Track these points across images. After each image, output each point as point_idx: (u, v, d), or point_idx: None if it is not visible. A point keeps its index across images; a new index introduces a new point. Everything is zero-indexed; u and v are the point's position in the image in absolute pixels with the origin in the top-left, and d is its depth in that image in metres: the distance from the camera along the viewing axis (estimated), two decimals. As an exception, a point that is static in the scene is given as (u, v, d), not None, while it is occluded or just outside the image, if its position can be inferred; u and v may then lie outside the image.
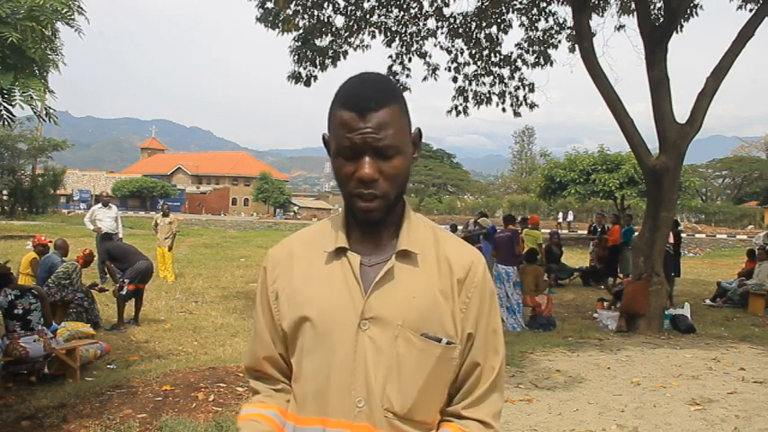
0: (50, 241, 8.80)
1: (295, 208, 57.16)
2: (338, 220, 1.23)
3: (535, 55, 11.44)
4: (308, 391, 1.16)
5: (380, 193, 1.12)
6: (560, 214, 37.14)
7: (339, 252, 1.18)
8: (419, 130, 1.21)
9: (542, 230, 13.86)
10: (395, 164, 1.12)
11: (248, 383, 1.31)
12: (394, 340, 1.13)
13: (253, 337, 1.29)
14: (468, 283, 1.18)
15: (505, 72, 11.75)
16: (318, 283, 1.17)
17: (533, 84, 11.83)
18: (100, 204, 11.30)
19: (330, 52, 10.81)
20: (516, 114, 12.03)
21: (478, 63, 11.71)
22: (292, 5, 9.87)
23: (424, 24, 11.22)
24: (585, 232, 23.82)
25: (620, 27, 10.82)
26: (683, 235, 26.87)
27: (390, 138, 1.11)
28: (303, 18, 10.28)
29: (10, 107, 3.96)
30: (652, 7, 9.84)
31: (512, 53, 11.59)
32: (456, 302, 1.17)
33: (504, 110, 12.03)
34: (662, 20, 9.02)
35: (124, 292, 7.76)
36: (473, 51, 11.59)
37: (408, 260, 1.17)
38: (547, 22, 11.15)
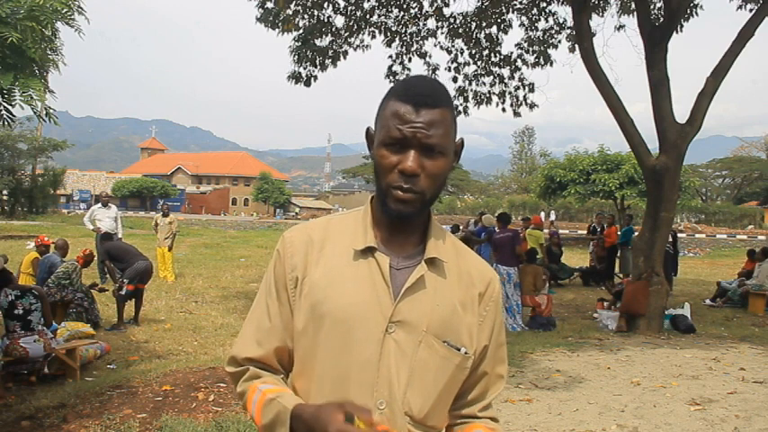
0: (53, 242, 8.82)
1: (296, 209, 57.20)
2: (364, 217, 1.22)
3: (535, 55, 11.43)
4: (322, 389, 1.14)
5: (419, 189, 1.13)
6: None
7: (367, 251, 1.17)
8: (462, 140, 1.22)
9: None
10: (438, 164, 1.13)
11: (245, 371, 1.20)
12: (417, 345, 1.14)
13: (259, 327, 1.21)
14: (488, 298, 1.23)
15: (505, 72, 11.76)
16: (343, 281, 1.15)
17: (533, 84, 11.85)
18: (99, 204, 11.30)
19: (330, 52, 10.81)
20: (516, 114, 12.04)
21: (478, 63, 11.71)
22: (292, 5, 9.87)
23: (424, 24, 11.22)
24: (585, 232, 23.83)
25: (620, 27, 10.82)
26: (680, 235, 26.97)
27: (439, 137, 1.12)
28: (303, 18, 10.28)
29: (10, 107, 3.97)
30: (652, 7, 9.85)
31: (512, 53, 11.60)
32: (474, 315, 1.21)
33: (504, 110, 12.04)
34: (662, 20, 9.02)
35: (123, 292, 7.76)
36: (473, 51, 11.59)
37: (435, 268, 1.18)
38: (547, 22, 11.16)
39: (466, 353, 1.17)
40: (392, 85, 1.20)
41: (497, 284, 1.26)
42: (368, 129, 1.21)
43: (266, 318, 1.21)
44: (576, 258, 18.16)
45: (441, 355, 1.15)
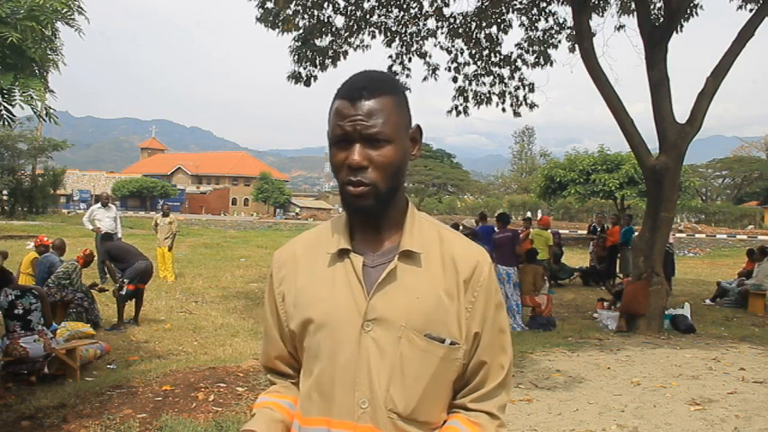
0: (51, 242, 8.82)
1: (297, 209, 57.21)
2: (341, 221, 1.23)
3: (535, 55, 11.44)
4: (314, 391, 1.17)
5: (369, 181, 1.12)
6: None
7: (342, 253, 1.18)
8: (418, 126, 1.22)
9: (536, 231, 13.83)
10: (384, 152, 1.13)
11: (267, 376, 1.36)
12: (397, 341, 1.13)
13: (264, 338, 1.31)
14: (474, 283, 1.18)
15: (505, 72, 11.76)
16: (322, 285, 1.18)
17: (533, 84, 11.85)
18: (99, 204, 11.31)
19: (330, 52, 10.81)
20: (516, 114, 12.04)
21: (478, 63, 11.71)
22: (292, 5, 9.87)
23: (424, 24, 11.22)
24: (585, 232, 23.86)
25: (620, 27, 10.83)
26: (680, 235, 26.87)
27: (380, 126, 1.12)
28: (303, 18, 10.28)
29: (10, 107, 3.96)
30: (652, 7, 9.85)
31: (512, 53, 11.60)
32: (461, 302, 1.17)
33: (504, 110, 12.04)
34: (662, 20, 9.02)
35: (124, 292, 7.76)
36: (473, 51, 11.59)
37: (411, 260, 1.17)
38: (547, 22, 11.16)
39: (452, 343, 1.15)
40: None
41: (486, 267, 1.19)
42: (327, 133, 1.22)
43: (264, 331, 1.32)
44: (576, 258, 18.16)
45: (422, 349, 1.13)
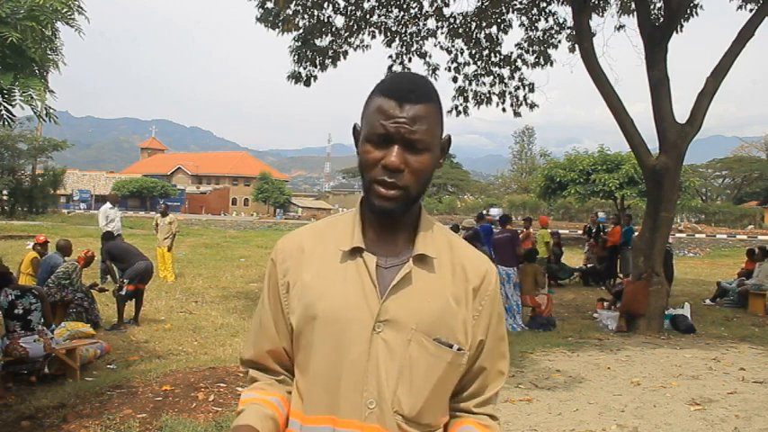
0: (48, 240, 8.82)
1: (298, 210, 57.24)
2: (353, 218, 1.22)
3: (535, 55, 11.44)
4: (316, 389, 1.16)
5: (402, 184, 1.12)
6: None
7: (354, 252, 1.17)
8: (449, 137, 1.22)
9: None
10: (422, 159, 1.13)
11: (247, 373, 1.30)
12: (407, 344, 1.13)
13: (257, 330, 1.26)
14: (483, 292, 1.20)
15: (505, 72, 11.78)
16: (332, 282, 1.16)
17: (533, 84, 11.86)
18: (109, 204, 11.37)
19: (330, 52, 10.82)
20: (516, 114, 12.05)
21: (478, 63, 11.72)
22: (292, 5, 9.88)
23: (424, 24, 11.23)
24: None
25: (620, 27, 10.84)
26: (680, 235, 26.84)
27: (422, 132, 1.12)
28: (303, 18, 10.28)
29: (10, 107, 3.97)
30: (652, 7, 9.85)
31: (512, 53, 11.61)
32: (469, 309, 1.18)
33: (504, 110, 12.05)
34: (662, 20, 9.03)
35: (124, 293, 7.76)
36: (473, 51, 11.59)
37: (424, 264, 1.17)
38: (547, 22, 11.18)
39: (459, 349, 1.16)
40: (380, 81, 1.20)
41: (494, 277, 1.22)
42: (354, 125, 1.21)
43: (259, 323, 1.26)
44: (576, 258, 18.14)
45: (431, 353, 1.14)
